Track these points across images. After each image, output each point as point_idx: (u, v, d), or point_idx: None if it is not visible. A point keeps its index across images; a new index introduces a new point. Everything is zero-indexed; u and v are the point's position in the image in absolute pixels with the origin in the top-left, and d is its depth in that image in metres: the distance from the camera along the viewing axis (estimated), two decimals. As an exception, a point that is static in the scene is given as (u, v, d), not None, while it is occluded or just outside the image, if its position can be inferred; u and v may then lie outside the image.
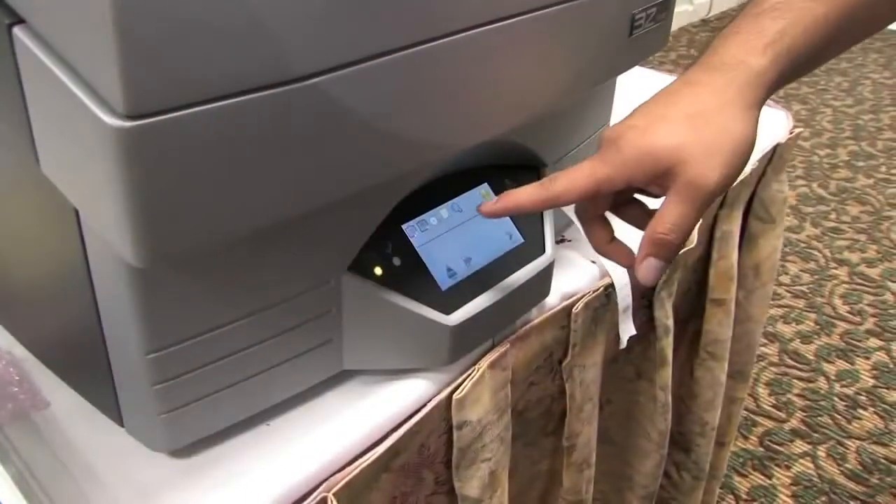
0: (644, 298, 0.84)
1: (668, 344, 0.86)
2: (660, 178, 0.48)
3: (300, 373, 0.55)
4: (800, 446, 1.61)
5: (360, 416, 0.56)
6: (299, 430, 0.55)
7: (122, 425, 0.52)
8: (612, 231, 0.54)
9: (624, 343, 0.76)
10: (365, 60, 0.43)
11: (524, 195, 0.52)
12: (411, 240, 0.56)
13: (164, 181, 0.37)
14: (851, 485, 1.52)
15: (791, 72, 0.51)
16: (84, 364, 0.52)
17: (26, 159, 0.42)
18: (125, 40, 0.33)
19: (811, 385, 1.76)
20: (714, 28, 3.94)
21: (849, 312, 1.98)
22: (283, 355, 0.53)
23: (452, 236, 0.59)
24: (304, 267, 0.50)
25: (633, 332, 0.76)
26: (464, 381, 0.59)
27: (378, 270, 0.54)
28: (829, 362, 1.82)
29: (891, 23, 0.56)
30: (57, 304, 0.53)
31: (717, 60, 0.50)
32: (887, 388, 1.74)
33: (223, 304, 0.47)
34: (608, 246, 0.54)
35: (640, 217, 0.54)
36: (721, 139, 0.47)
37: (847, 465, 1.56)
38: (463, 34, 0.48)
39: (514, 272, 0.61)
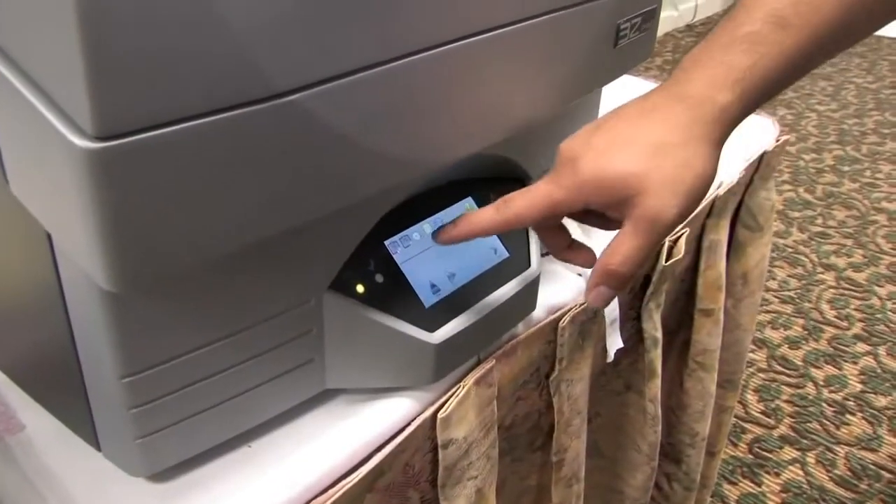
0: (632, 310, 0.84)
1: (656, 356, 0.85)
2: (617, 205, 0.47)
3: (281, 393, 0.53)
4: (789, 453, 1.60)
5: (343, 436, 0.55)
6: (282, 452, 0.54)
7: (99, 450, 0.51)
8: (568, 236, 0.54)
9: (611, 357, 0.75)
10: (345, 76, 0.42)
11: (480, 220, 0.52)
12: (394, 256, 0.55)
13: (137, 204, 0.36)
14: (841, 491, 1.51)
15: (757, 104, 0.50)
16: (59, 387, 0.51)
17: (-4, 180, 0.41)
18: (93, 57, 0.32)
19: (799, 391, 1.76)
20: (699, 34, 3.95)
21: (836, 317, 1.98)
22: (263, 376, 0.51)
23: (436, 252, 0.58)
24: (284, 286, 0.49)
25: (621, 345, 0.75)
26: (449, 398, 0.58)
27: (360, 288, 0.53)
28: (817, 368, 1.82)
29: (863, 39, 0.55)
30: (30, 326, 0.51)
31: (685, 91, 0.48)
32: (875, 394, 1.74)
33: (200, 326, 0.46)
34: (567, 252, 0.54)
35: (600, 224, 0.53)
36: (682, 174, 0.46)
37: (836, 472, 1.55)
38: (444, 47, 0.47)
39: (499, 287, 0.60)
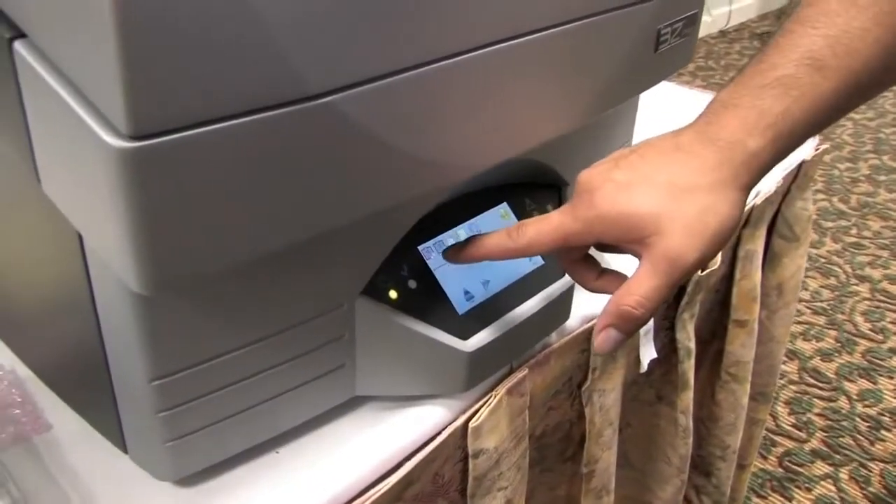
0: (665, 320, 0.82)
1: (689, 367, 0.83)
2: (632, 243, 0.45)
3: (311, 399, 0.53)
4: (821, 468, 1.57)
5: (372, 444, 0.54)
6: (309, 459, 0.53)
7: (125, 452, 0.50)
8: (598, 266, 0.51)
9: (644, 367, 0.74)
10: (381, 78, 0.41)
11: (491, 244, 0.50)
12: (427, 262, 0.54)
13: (171, 205, 0.35)
14: (875, 509, 1.48)
15: (790, 149, 0.48)
16: (86, 388, 0.51)
17: (27, 178, 0.41)
18: (129, 56, 0.31)
19: (832, 404, 1.72)
20: (732, 40, 3.91)
21: (871, 330, 1.94)
22: (293, 381, 0.51)
23: (470, 258, 0.56)
24: (317, 291, 0.48)
25: (654, 355, 0.74)
26: (480, 408, 0.57)
27: (393, 294, 0.52)
28: (850, 381, 1.78)
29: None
30: (59, 326, 0.51)
31: (714, 133, 0.46)
32: (911, 409, 1.70)
33: (231, 330, 0.46)
34: (597, 283, 0.51)
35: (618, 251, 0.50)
36: (706, 219, 0.44)
37: (871, 489, 1.52)
38: (482, 51, 0.46)
39: (533, 295, 0.59)
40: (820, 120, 0.47)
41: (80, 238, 0.42)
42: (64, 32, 0.34)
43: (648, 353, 0.73)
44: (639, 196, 0.45)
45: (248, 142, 0.37)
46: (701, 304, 0.85)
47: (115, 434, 0.50)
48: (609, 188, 0.46)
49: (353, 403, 0.56)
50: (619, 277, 0.50)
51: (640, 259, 0.45)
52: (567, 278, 0.61)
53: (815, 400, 1.73)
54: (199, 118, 0.34)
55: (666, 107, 0.99)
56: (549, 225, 0.48)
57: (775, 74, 0.46)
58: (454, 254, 0.53)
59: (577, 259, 0.51)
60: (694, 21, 0.66)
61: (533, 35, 0.49)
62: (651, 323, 0.72)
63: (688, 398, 0.85)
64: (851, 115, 3.10)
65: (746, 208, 0.86)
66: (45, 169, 0.40)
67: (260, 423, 0.51)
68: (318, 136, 0.39)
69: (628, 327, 0.45)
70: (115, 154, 0.33)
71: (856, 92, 0.47)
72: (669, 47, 0.63)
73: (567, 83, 0.54)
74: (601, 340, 0.46)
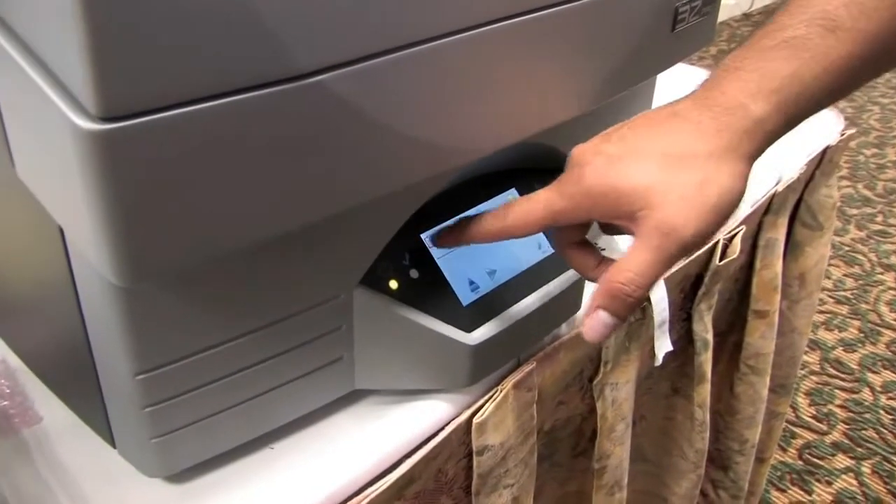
0: (682, 311, 0.79)
1: (707, 359, 0.81)
2: (623, 218, 0.42)
3: (307, 393, 0.50)
4: (842, 461, 1.54)
5: (371, 440, 0.52)
6: (306, 455, 0.51)
7: (114, 447, 0.49)
8: (596, 254, 0.48)
9: (660, 360, 0.71)
10: (377, 56, 0.38)
11: (477, 227, 0.48)
12: (430, 250, 0.52)
13: (147, 192, 0.33)
14: (899, 505, 1.45)
15: (800, 118, 0.44)
16: (74, 381, 0.49)
17: (2, 162, 0.39)
18: (96, 29, 0.29)
19: (854, 396, 1.68)
20: (756, 23, 3.83)
21: (895, 320, 1.90)
22: (287, 375, 0.48)
23: (476, 246, 0.54)
24: (312, 280, 0.46)
25: (670, 348, 0.71)
26: (485, 403, 0.55)
27: (393, 284, 0.50)
28: (874, 372, 1.74)
29: None
30: (44, 317, 0.49)
31: (714, 98, 0.43)
32: (937, 402, 1.66)
33: (221, 322, 0.43)
34: (596, 271, 0.47)
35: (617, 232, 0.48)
36: (705, 190, 0.41)
37: (894, 484, 1.48)
38: (487, 27, 0.43)
39: (542, 286, 0.56)
40: (832, 87, 0.43)
41: (62, 229, 0.40)
42: (29, 4, 0.31)
43: (664, 345, 0.70)
44: (629, 168, 0.42)
45: (230, 125, 0.34)
46: (719, 295, 0.82)
47: (104, 428, 0.48)
48: (599, 162, 0.43)
49: (351, 397, 0.54)
50: None
51: (634, 236, 0.42)
52: (578, 268, 0.58)
53: (836, 391, 1.69)
54: (176, 98, 0.32)
55: (687, 91, 0.95)
56: (536, 203, 0.45)
57: (784, 35, 0.43)
58: (442, 238, 0.51)
59: (574, 244, 0.48)
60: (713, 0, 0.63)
61: (542, 11, 0.46)
62: (666, 314, 0.69)
63: (705, 391, 0.83)
64: (879, 99, 3.04)
65: (767, 195, 0.83)
66: (19, 153, 0.38)
67: (253, 419, 0.49)
68: (308, 118, 0.37)
69: (620, 309, 0.42)
70: (83, 136, 0.31)
71: (872, 58, 0.43)
72: (687, 26, 0.60)
73: (578, 63, 0.51)
74: (590, 325, 0.43)
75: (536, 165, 0.60)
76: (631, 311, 0.43)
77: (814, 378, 1.73)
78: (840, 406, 1.66)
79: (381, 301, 0.49)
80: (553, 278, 0.57)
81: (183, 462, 0.47)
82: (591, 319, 0.43)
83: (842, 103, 1.07)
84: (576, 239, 0.48)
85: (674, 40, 0.59)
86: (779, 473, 1.51)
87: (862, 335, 1.85)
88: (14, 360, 0.56)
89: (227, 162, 0.35)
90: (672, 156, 0.41)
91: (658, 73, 0.61)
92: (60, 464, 0.50)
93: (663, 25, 0.57)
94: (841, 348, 1.81)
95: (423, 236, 0.52)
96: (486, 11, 0.43)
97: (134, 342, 0.41)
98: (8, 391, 0.53)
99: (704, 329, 0.79)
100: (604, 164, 0.43)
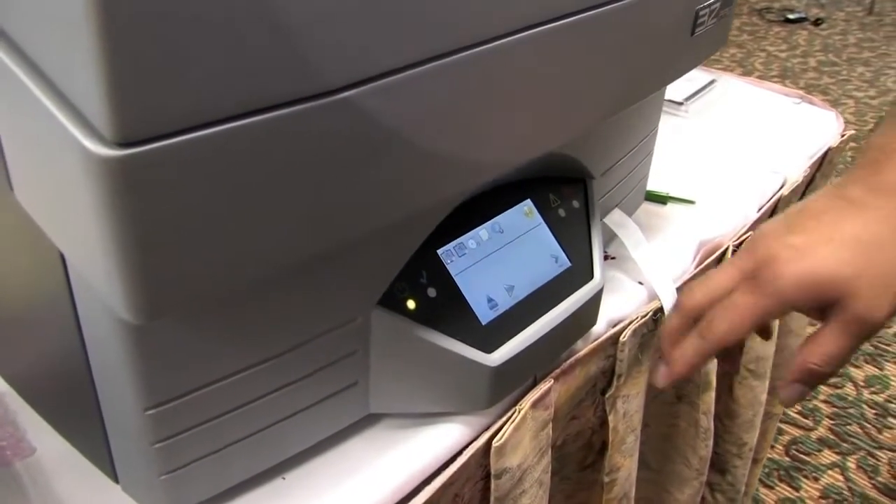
0: (689, 318, 0.77)
1: (713, 367, 0.79)
2: (823, 307, 0.44)
3: (321, 420, 0.48)
4: (828, 456, 1.54)
5: (387, 468, 0.49)
6: (319, 485, 0.48)
7: (117, 482, 0.46)
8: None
9: (672, 371, 0.69)
10: (407, 69, 0.35)
11: (692, 354, 0.49)
12: (447, 267, 0.49)
13: (166, 222, 0.30)
14: (885, 500, 1.45)
15: None
16: (73, 413, 0.45)
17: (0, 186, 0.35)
18: (114, 48, 0.26)
19: (838, 391, 1.69)
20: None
21: (876, 314, 1.90)
22: (302, 403, 0.46)
23: (493, 261, 0.51)
24: (330, 304, 0.43)
25: (682, 358, 0.69)
26: (504, 424, 0.52)
27: (411, 304, 0.47)
28: (856, 367, 1.75)
29: None
30: (40, 345, 0.46)
31: (884, 182, 0.45)
32: (919, 396, 1.67)
33: (234, 351, 0.40)
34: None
35: None
36: (895, 272, 0.43)
37: (879, 478, 1.49)
38: (515, 36, 0.40)
39: (561, 301, 0.54)
40: None
41: (63, 256, 0.37)
42: (36, 19, 0.28)
43: (675, 356, 0.68)
44: (827, 258, 0.43)
45: (256, 145, 0.31)
46: (724, 300, 0.80)
47: (105, 463, 0.45)
48: (790, 255, 0.45)
49: (365, 422, 0.52)
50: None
51: (826, 318, 0.44)
52: (596, 280, 0.56)
53: (821, 387, 1.70)
54: (197, 120, 0.29)
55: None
56: (739, 311, 0.46)
57: None
58: (666, 379, 0.52)
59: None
60: (730, 2, 0.61)
61: (569, 18, 0.43)
62: (679, 324, 0.67)
63: (710, 399, 0.81)
64: (853, 93, 3.06)
65: (774, 199, 0.82)
66: (19, 177, 0.34)
67: (265, 449, 0.46)
68: (336, 136, 0.34)
69: (814, 382, 0.46)
70: (97, 164, 0.28)
71: None
72: (706, 30, 0.58)
73: (604, 70, 0.49)
74: (789, 394, 0.47)
75: (549, 174, 0.57)
76: (822, 383, 0.47)
77: (798, 373, 1.73)
78: (825, 402, 1.67)
79: (399, 323, 0.47)
80: (572, 293, 0.55)
81: (192, 498, 0.44)
82: (790, 390, 0.47)
83: (817, 97, 1.07)
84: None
85: (693, 44, 0.57)
86: (767, 470, 1.51)
87: (844, 330, 1.85)
88: (3, 386, 0.53)
89: (251, 185, 0.32)
90: (862, 241, 0.43)
91: (677, 77, 0.59)
92: (57, 499, 0.46)
93: (684, 29, 0.55)
94: (824, 343, 1.81)
95: (439, 252, 0.49)
96: (514, 20, 0.40)
97: (143, 376, 0.38)
98: (-2, 421, 0.49)
99: (711, 336, 0.78)
100: (798, 256, 0.44)
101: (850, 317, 0.43)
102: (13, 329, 0.48)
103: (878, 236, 0.43)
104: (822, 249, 0.44)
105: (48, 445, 0.49)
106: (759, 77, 3.13)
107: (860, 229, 0.44)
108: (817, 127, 0.93)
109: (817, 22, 3.93)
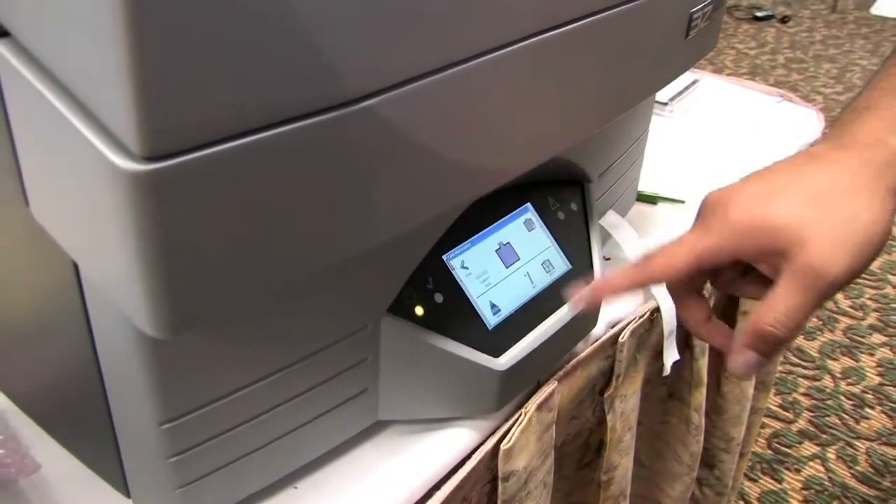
0: (681, 316, 0.78)
1: (704, 364, 0.80)
2: (771, 256, 0.41)
3: (331, 428, 0.48)
4: (809, 448, 1.56)
5: (397, 474, 0.49)
6: (330, 493, 0.48)
7: (128, 496, 0.45)
8: (709, 309, 0.47)
9: (668, 370, 0.70)
10: (425, 76, 0.35)
11: (619, 282, 0.46)
12: (453, 272, 0.50)
13: (192, 236, 0.30)
14: (864, 488, 1.47)
15: None
16: (82, 428, 0.45)
17: (13, 200, 0.35)
18: (143, 59, 0.26)
19: (817, 383, 1.72)
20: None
21: (851, 307, 1.94)
22: (314, 411, 0.46)
23: (495, 268, 0.52)
24: (341, 312, 0.43)
25: (677, 357, 0.70)
26: (510, 427, 0.53)
27: (419, 310, 0.47)
28: (833, 359, 1.78)
29: None
30: (49, 361, 0.45)
31: (849, 139, 0.43)
32: (893, 386, 1.70)
33: (249, 362, 0.40)
34: (705, 326, 0.47)
35: (742, 288, 0.47)
36: (852, 226, 0.40)
37: (858, 468, 1.51)
38: (527, 42, 0.41)
39: (563, 304, 0.54)
40: None
41: (76, 267, 0.36)
42: (58, 30, 0.28)
43: (672, 355, 0.69)
44: (778, 205, 0.41)
45: (278, 156, 0.31)
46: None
47: (116, 477, 0.44)
48: (744, 199, 0.42)
49: (373, 429, 0.52)
50: (726, 329, 0.47)
51: (778, 274, 0.40)
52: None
53: (800, 379, 1.72)
54: (223, 132, 0.29)
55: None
56: (680, 248, 0.43)
57: None
58: (584, 301, 0.48)
59: (691, 293, 0.47)
60: (721, 4, 0.61)
61: (575, 23, 0.44)
62: (674, 323, 0.68)
63: (701, 395, 0.82)
64: (821, 89, 3.11)
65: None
66: (35, 191, 0.34)
67: (278, 459, 0.46)
68: (357, 145, 0.34)
69: (767, 349, 0.41)
70: (124, 178, 0.28)
71: None
72: (698, 32, 0.59)
73: (607, 74, 0.49)
74: (741, 363, 0.42)
75: (547, 178, 0.58)
76: (778, 351, 0.42)
77: (779, 368, 1.75)
78: (804, 394, 1.69)
79: (408, 329, 0.47)
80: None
81: (206, 510, 0.44)
82: (741, 356, 0.42)
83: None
84: (698, 286, 0.47)
85: (687, 46, 0.58)
86: (750, 464, 1.53)
87: (820, 322, 1.89)
88: (3, 401, 0.52)
89: (274, 196, 0.32)
90: (817, 193, 0.41)
91: (672, 80, 0.59)
92: (66, 516, 0.46)
93: (679, 33, 0.55)
94: (802, 336, 1.84)
95: (445, 258, 0.50)
96: (526, 26, 0.40)
97: (159, 389, 0.37)
98: (1, 437, 0.48)
99: (703, 334, 0.79)
100: (750, 201, 0.42)
101: (801, 266, 0.39)
102: (19, 344, 0.47)
103: (835, 187, 0.41)
104: (776, 197, 0.41)
105: (53, 461, 0.48)
106: (730, 74, 3.17)
107: (817, 180, 0.41)
108: (798, 124, 0.95)
109: (784, 19, 3.99)
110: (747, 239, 0.41)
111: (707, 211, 0.43)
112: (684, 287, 0.46)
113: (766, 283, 0.42)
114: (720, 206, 0.42)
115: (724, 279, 0.47)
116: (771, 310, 0.40)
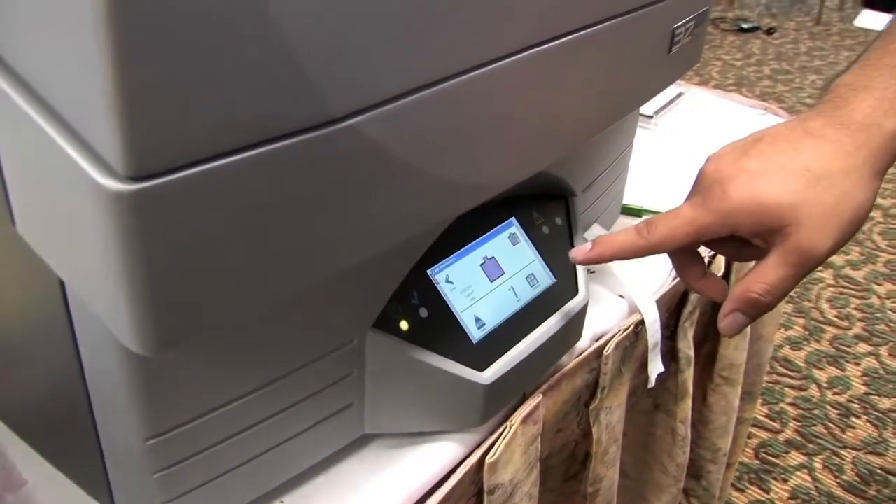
0: (666, 329, 0.79)
1: (689, 376, 0.81)
2: (766, 233, 0.43)
3: (317, 442, 0.48)
4: (795, 458, 1.57)
5: (384, 487, 0.49)
6: (316, 507, 0.48)
7: (113, 512, 0.45)
8: (704, 266, 0.50)
9: (653, 382, 0.70)
10: (408, 94, 0.36)
11: (621, 243, 0.48)
12: (437, 286, 0.50)
13: (177, 255, 0.30)
14: (850, 497, 1.48)
15: None
16: (69, 443, 0.45)
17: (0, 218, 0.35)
18: (126, 81, 0.26)
19: (803, 393, 1.73)
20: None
21: (836, 317, 1.95)
22: (299, 426, 0.46)
23: (482, 279, 0.52)
24: (327, 328, 0.44)
25: (662, 369, 0.71)
26: (496, 441, 0.53)
27: (404, 324, 0.48)
28: (819, 369, 1.79)
29: None
30: (37, 378, 0.45)
31: (847, 116, 0.44)
32: (879, 395, 1.71)
33: (234, 378, 0.41)
34: (700, 282, 0.50)
35: (737, 254, 0.49)
36: (842, 207, 0.42)
37: (844, 477, 1.52)
38: (510, 59, 0.41)
39: (547, 317, 0.55)
40: None
41: (62, 284, 0.36)
42: (43, 50, 0.28)
43: (656, 367, 0.70)
44: (775, 185, 0.43)
45: (264, 175, 0.31)
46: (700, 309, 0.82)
47: (103, 493, 0.44)
48: (743, 178, 0.44)
49: (359, 442, 0.52)
50: (720, 282, 0.50)
51: (770, 248, 0.43)
52: (581, 295, 0.57)
53: (786, 389, 1.73)
54: (208, 152, 0.29)
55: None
56: (681, 220, 0.46)
57: None
58: (581, 255, 0.50)
59: (689, 255, 0.50)
60: (704, 19, 0.62)
61: (558, 40, 0.44)
62: (659, 335, 0.69)
63: (687, 407, 0.83)
64: (806, 100, 3.13)
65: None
66: (21, 208, 0.34)
67: (263, 474, 0.46)
68: (341, 163, 0.34)
69: (753, 313, 0.45)
70: (109, 198, 0.28)
71: None
72: (681, 47, 0.59)
73: (591, 89, 0.50)
74: (728, 323, 0.46)
75: (532, 192, 0.58)
76: (762, 314, 0.45)
77: (765, 378, 1.76)
78: (791, 404, 1.70)
79: (393, 343, 0.47)
80: (558, 308, 0.56)
81: (192, 526, 0.44)
82: (728, 319, 0.46)
83: (772, 104, 1.10)
84: (695, 248, 0.50)
85: (670, 61, 0.58)
86: (737, 474, 1.53)
87: (807, 333, 1.90)
88: (-13, 417, 0.52)
89: (259, 215, 0.32)
90: (813, 172, 0.43)
91: (655, 94, 0.60)
92: (51, 532, 0.46)
93: (662, 48, 0.56)
94: (788, 346, 1.86)
95: (429, 272, 0.50)
96: (509, 43, 0.41)
97: (145, 405, 0.38)
98: (-15, 453, 0.48)
99: (688, 346, 0.79)
100: (748, 181, 0.44)
101: (791, 246, 0.42)
102: (5, 360, 0.48)
103: (829, 169, 0.43)
104: (772, 176, 0.43)
105: (39, 476, 0.48)
106: (716, 86, 3.20)
107: (812, 160, 0.43)
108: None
109: (770, 31, 4.02)
110: (745, 218, 0.44)
111: (706, 185, 0.45)
112: (681, 252, 0.50)
113: (757, 250, 0.45)
114: (718, 183, 0.44)
115: (719, 246, 0.49)
116: (760, 280, 0.43)
